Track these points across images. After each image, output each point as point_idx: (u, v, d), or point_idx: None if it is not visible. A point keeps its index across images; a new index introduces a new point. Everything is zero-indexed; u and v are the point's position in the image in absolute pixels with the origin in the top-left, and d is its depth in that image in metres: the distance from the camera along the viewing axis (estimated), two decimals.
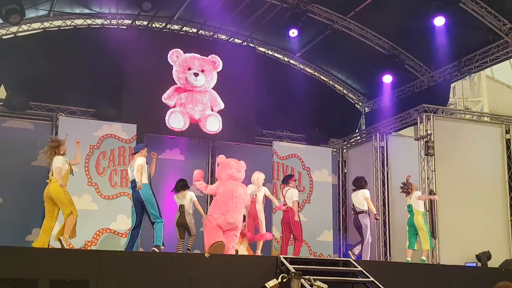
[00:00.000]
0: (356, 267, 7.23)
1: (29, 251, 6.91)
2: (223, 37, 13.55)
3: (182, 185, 9.36)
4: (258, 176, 9.22)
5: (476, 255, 10.60)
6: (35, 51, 11.48)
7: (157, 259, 6.87)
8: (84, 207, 10.10)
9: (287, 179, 9.98)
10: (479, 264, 10.35)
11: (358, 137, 14.46)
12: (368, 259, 9.23)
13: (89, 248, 9.85)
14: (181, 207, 9.25)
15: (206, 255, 6.81)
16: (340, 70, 14.45)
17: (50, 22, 12.19)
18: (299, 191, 10.28)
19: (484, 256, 10.37)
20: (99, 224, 10.48)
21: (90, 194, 10.53)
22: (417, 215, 9.43)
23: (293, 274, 4.25)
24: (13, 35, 11.82)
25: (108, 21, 12.61)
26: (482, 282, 7.54)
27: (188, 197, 9.29)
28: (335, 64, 14.31)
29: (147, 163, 7.86)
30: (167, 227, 11.24)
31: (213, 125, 12.10)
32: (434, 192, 10.87)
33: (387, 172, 12.91)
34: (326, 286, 4.32)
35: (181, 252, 9.19)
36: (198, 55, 12.27)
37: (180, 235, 9.33)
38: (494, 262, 10.18)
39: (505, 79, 18.29)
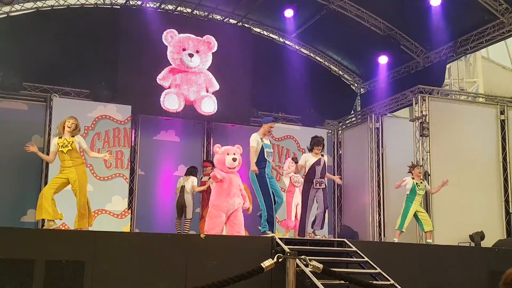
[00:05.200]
0: (351, 248, 7.28)
1: (24, 232, 6.92)
2: (218, 17, 13.43)
3: (191, 171, 9.85)
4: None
5: (469, 235, 10.69)
6: (28, 31, 11.36)
7: (152, 240, 6.88)
8: None
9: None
10: (473, 244, 10.44)
11: (354, 119, 14.45)
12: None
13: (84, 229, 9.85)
14: (183, 187, 9.59)
15: (202, 236, 6.84)
16: (336, 51, 14.38)
17: (43, 1, 12.03)
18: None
19: (478, 236, 10.46)
20: (95, 205, 10.43)
21: None
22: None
23: (288, 254, 4.28)
24: (6, 15, 11.67)
25: (102, 0, 12.46)
26: (476, 262, 7.62)
27: (191, 181, 9.66)
28: (331, 45, 14.24)
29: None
30: (162, 207, 11.34)
31: (208, 106, 12.06)
32: (429, 173, 10.91)
33: (382, 154, 12.94)
34: (321, 266, 4.36)
35: (179, 231, 9.29)
36: (193, 36, 12.17)
37: (178, 215, 9.56)
38: (488, 242, 10.28)
39: (501, 60, 18.24)
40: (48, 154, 10.44)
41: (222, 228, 7.74)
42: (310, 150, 8.09)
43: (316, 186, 7.95)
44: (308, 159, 8.07)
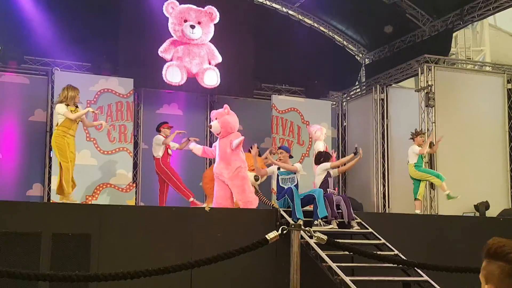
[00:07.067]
0: (355, 219, 7.29)
1: (31, 206, 6.95)
2: None
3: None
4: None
5: (474, 205, 10.69)
6: (29, 4, 11.21)
7: (158, 213, 6.92)
8: (83, 162, 10.11)
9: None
10: (477, 214, 10.45)
11: (358, 90, 14.33)
12: None
13: (90, 203, 9.92)
14: None
15: (207, 208, 6.85)
16: (340, 20, 14.17)
17: None
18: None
19: (482, 206, 10.46)
20: (100, 179, 10.52)
21: (89, 149, 10.52)
22: (409, 168, 9.55)
23: (293, 226, 4.28)
24: None
25: None
26: (480, 231, 7.63)
27: None
28: (335, 14, 14.01)
29: None
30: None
31: (211, 79, 11.93)
32: (434, 143, 10.86)
33: (387, 125, 12.87)
34: (325, 237, 4.36)
35: None
36: (194, 6, 11.95)
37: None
38: (493, 212, 10.28)
39: (508, 28, 17.95)
40: (51, 125, 10.53)
41: (227, 194, 7.75)
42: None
43: None
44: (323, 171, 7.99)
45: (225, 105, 8.07)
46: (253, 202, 7.75)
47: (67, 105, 7.38)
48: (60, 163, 7.34)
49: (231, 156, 7.68)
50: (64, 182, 7.24)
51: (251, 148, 7.86)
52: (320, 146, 9.40)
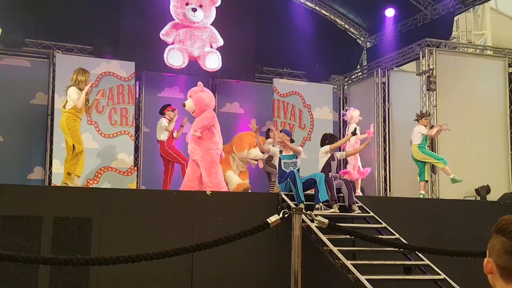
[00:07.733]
0: (357, 203, 7.30)
1: (32, 189, 6.98)
2: None
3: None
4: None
5: (475, 189, 10.70)
6: None
7: (159, 196, 6.93)
8: (85, 146, 10.08)
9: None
10: (478, 198, 10.47)
11: (360, 73, 14.27)
12: None
13: (91, 186, 9.94)
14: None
15: (208, 192, 6.87)
16: (342, 3, 14.04)
17: None
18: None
19: (483, 190, 10.47)
20: (101, 162, 10.53)
21: (90, 133, 10.51)
22: (413, 149, 9.53)
23: (294, 210, 4.28)
24: None
25: None
26: (481, 216, 7.66)
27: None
28: None
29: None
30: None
31: (213, 62, 11.87)
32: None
33: (389, 109, 12.83)
34: (327, 221, 4.36)
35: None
36: None
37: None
38: (493, 196, 10.30)
39: (510, 12, 17.82)
40: (53, 109, 10.47)
41: (196, 174, 7.87)
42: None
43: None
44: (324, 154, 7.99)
45: (199, 82, 8.00)
46: (221, 185, 7.74)
47: (80, 89, 7.32)
48: (73, 145, 7.23)
49: (204, 136, 7.66)
50: (71, 165, 7.19)
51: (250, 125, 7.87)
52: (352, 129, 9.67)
